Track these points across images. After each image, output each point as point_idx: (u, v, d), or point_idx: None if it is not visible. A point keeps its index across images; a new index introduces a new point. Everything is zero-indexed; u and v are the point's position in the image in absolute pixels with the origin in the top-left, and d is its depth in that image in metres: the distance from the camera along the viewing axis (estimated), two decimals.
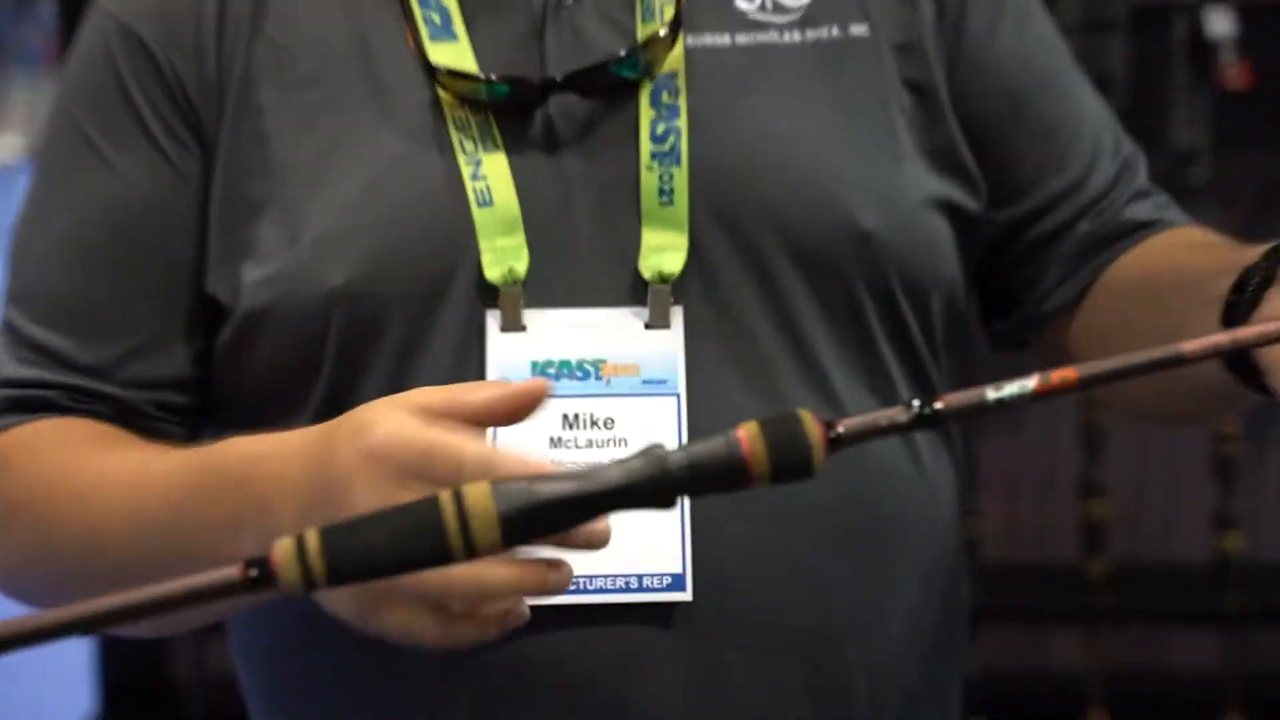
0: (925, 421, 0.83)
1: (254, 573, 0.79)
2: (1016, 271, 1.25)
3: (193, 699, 3.05)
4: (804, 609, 1.14)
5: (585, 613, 1.09)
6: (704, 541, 1.11)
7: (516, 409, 0.98)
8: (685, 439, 1.11)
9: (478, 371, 1.13)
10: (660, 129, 1.14)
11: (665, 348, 1.13)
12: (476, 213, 1.13)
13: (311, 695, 1.17)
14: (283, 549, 0.81)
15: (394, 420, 0.97)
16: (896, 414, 0.83)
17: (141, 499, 1.09)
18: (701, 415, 1.12)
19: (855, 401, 1.15)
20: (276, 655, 1.19)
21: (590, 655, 1.11)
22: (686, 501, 1.09)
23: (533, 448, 1.10)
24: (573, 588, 1.01)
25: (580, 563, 1.01)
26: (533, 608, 1.01)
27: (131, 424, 1.17)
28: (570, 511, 0.84)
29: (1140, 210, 1.25)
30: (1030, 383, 0.83)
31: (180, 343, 1.18)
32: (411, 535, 0.83)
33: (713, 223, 1.14)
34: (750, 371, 1.14)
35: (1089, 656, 2.88)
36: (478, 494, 0.83)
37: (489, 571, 0.96)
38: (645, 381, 1.13)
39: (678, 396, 1.13)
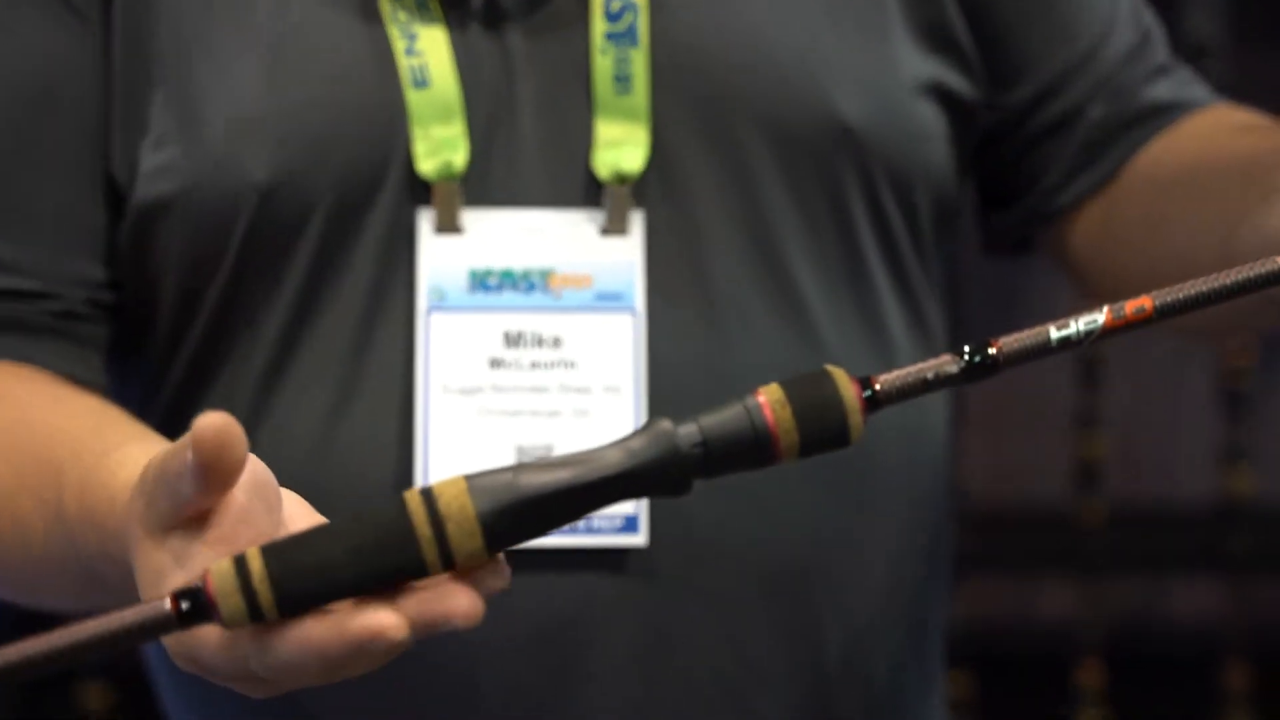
0: (979, 371, 0.80)
1: (186, 605, 0.76)
2: (1021, 161, 1.22)
3: None
4: (772, 553, 1.11)
5: (525, 557, 1.05)
6: None
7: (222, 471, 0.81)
8: (644, 362, 1.09)
9: (406, 281, 1.10)
10: (615, 5, 1.11)
11: (623, 257, 1.10)
12: (411, 95, 1.09)
13: None
14: (220, 574, 0.77)
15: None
16: (944, 364, 0.80)
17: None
18: (656, 335, 1.10)
19: (831, 315, 1.13)
20: None
21: (530, 608, 1.08)
22: None
23: (471, 369, 1.08)
24: None
25: None
26: None
27: (67, 328, 1.12)
28: (564, 506, 0.79)
29: (1161, 90, 1.21)
30: (1099, 316, 0.81)
31: (105, 230, 1.13)
32: (376, 548, 0.78)
33: (676, 115, 1.11)
34: (715, 289, 1.11)
35: (1082, 606, 2.90)
36: (452, 493, 0.78)
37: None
38: (599, 295, 1.10)
39: (634, 313, 1.10)
